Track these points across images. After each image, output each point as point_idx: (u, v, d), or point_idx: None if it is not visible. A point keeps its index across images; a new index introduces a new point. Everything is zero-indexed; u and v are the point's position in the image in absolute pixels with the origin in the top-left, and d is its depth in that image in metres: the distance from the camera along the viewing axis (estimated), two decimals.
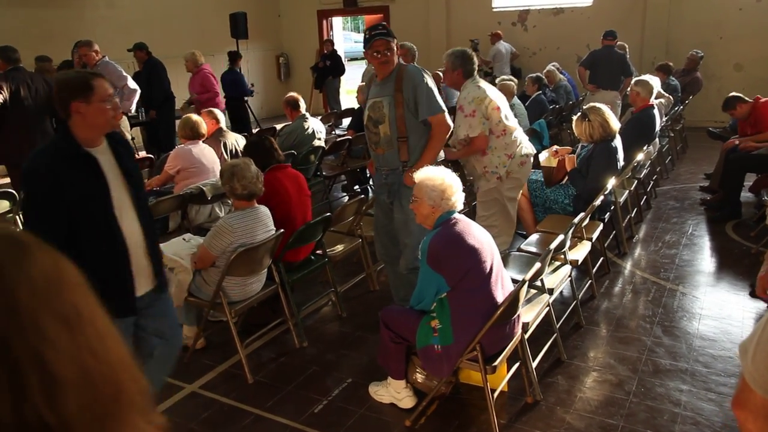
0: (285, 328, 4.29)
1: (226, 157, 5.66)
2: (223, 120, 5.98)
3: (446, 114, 3.84)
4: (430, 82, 3.82)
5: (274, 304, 4.28)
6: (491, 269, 3.01)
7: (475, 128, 4.32)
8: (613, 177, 4.81)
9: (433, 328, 3.01)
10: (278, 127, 8.31)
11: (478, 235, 3.05)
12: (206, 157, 5.27)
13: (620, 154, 4.98)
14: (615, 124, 4.87)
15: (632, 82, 6.28)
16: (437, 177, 3.10)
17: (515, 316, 3.13)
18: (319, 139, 6.74)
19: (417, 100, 3.76)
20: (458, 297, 2.93)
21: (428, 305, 3.05)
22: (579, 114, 4.99)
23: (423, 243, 3.03)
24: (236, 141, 5.84)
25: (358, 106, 8.36)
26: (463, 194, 3.20)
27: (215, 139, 5.76)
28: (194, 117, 5.42)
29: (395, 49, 3.82)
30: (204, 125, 5.41)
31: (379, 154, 3.95)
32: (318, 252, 4.48)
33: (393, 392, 3.41)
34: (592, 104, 5.00)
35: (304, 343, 4.14)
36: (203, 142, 5.50)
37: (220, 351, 4.10)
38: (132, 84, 7.08)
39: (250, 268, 3.76)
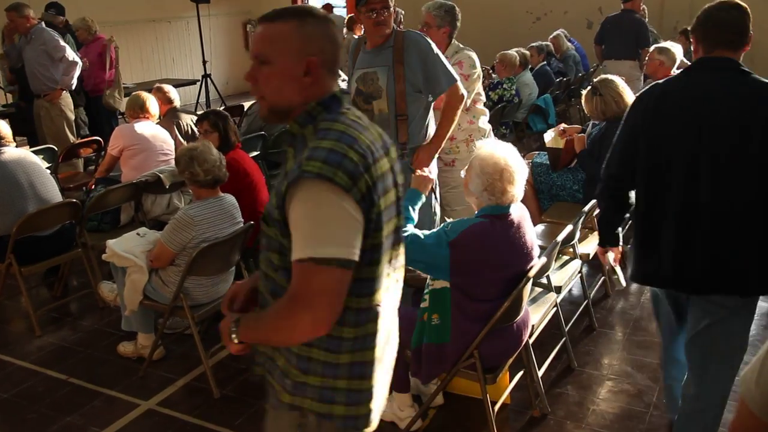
0: None
1: (181, 140, 5.62)
2: (177, 98, 5.93)
3: (460, 82, 3.85)
4: (436, 48, 3.82)
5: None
6: (514, 279, 2.93)
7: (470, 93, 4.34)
8: None
9: (426, 323, 2.98)
10: (246, 105, 8.27)
11: (524, 244, 2.93)
12: (154, 136, 5.23)
13: None
14: (630, 98, 4.89)
15: (653, 49, 6.28)
16: (490, 161, 2.83)
17: (520, 323, 3.11)
18: None
19: (428, 74, 3.73)
20: (464, 301, 2.90)
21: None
22: (589, 88, 5.01)
23: (460, 221, 2.90)
24: (191, 122, 5.82)
25: None
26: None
27: (168, 120, 5.72)
28: (143, 94, 5.40)
29: (392, 8, 3.75)
30: (151, 103, 5.36)
31: None
32: None
33: (396, 409, 3.39)
34: (603, 76, 5.02)
35: None
36: (157, 124, 5.47)
37: (181, 362, 4.08)
38: (72, 55, 6.96)
39: (215, 266, 3.74)
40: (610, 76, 5.01)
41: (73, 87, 7.16)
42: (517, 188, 2.86)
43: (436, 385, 3.26)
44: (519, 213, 2.95)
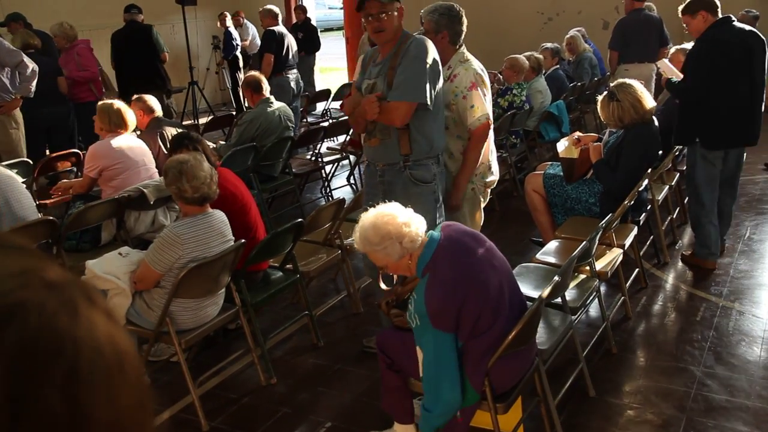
0: (248, 362, 4.28)
1: (165, 152, 5.64)
2: (159, 108, 5.94)
3: (414, 107, 3.71)
4: (424, 62, 3.71)
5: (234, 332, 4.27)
6: (502, 293, 2.93)
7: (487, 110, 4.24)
8: (649, 169, 4.85)
9: None
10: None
11: (476, 253, 2.91)
12: (132, 148, 5.24)
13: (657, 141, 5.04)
14: (650, 103, 4.91)
15: (675, 50, 6.33)
16: (369, 226, 2.89)
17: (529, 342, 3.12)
18: (288, 128, 6.75)
19: (397, 74, 3.70)
20: (472, 345, 2.90)
21: (455, 398, 2.89)
22: (605, 93, 5.03)
23: (416, 306, 2.84)
24: (177, 133, 5.84)
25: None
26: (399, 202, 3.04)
27: (152, 131, 5.74)
28: (117, 104, 5.35)
29: (396, 13, 3.71)
30: (128, 113, 5.36)
31: (371, 146, 3.91)
32: (288, 267, 4.48)
33: None
34: (621, 80, 5.04)
35: (271, 379, 4.14)
36: (139, 137, 5.48)
37: (167, 391, 4.08)
38: (29, 61, 6.87)
39: (204, 287, 3.75)
40: (628, 80, 5.04)
41: (32, 95, 7.04)
42: (413, 219, 2.90)
43: None
44: (448, 231, 2.96)
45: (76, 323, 0.61)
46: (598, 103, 5.11)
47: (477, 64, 4.28)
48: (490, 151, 4.38)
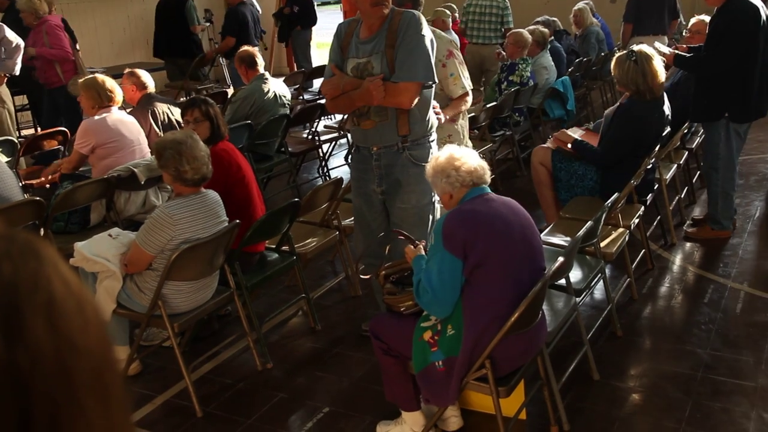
0: (243, 346, 4.30)
1: (157, 130, 5.62)
2: (152, 84, 5.89)
3: (420, 88, 3.71)
4: (427, 39, 3.72)
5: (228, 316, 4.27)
6: (519, 261, 3.02)
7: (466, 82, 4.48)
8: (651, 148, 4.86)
9: (428, 342, 3.02)
10: (230, 92, 8.28)
11: (512, 215, 3.08)
12: (126, 126, 5.22)
13: (668, 116, 5.04)
14: (661, 77, 4.91)
15: (695, 20, 6.34)
16: (440, 163, 3.17)
17: (537, 324, 3.14)
18: (284, 105, 6.73)
19: (397, 53, 3.66)
20: (472, 294, 2.96)
21: (448, 308, 3.03)
22: (625, 52, 5.03)
23: (437, 224, 3.07)
24: (168, 110, 5.81)
25: None
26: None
27: (143, 107, 5.71)
28: (103, 78, 5.27)
29: None
30: (116, 86, 5.29)
31: (365, 130, 3.86)
32: (284, 248, 4.49)
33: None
34: (643, 47, 5.02)
35: (267, 364, 4.16)
36: (130, 113, 5.46)
37: (160, 377, 4.11)
38: (13, 36, 6.76)
39: (197, 270, 3.76)
40: (650, 51, 5.01)
41: (17, 72, 6.95)
42: (470, 163, 3.14)
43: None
44: (502, 199, 3.18)
45: (42, 262, 0.70)
46: (614, 61, 5.11)
47: (445, 33, 4.41)
48: (463, 141, 4.50)
